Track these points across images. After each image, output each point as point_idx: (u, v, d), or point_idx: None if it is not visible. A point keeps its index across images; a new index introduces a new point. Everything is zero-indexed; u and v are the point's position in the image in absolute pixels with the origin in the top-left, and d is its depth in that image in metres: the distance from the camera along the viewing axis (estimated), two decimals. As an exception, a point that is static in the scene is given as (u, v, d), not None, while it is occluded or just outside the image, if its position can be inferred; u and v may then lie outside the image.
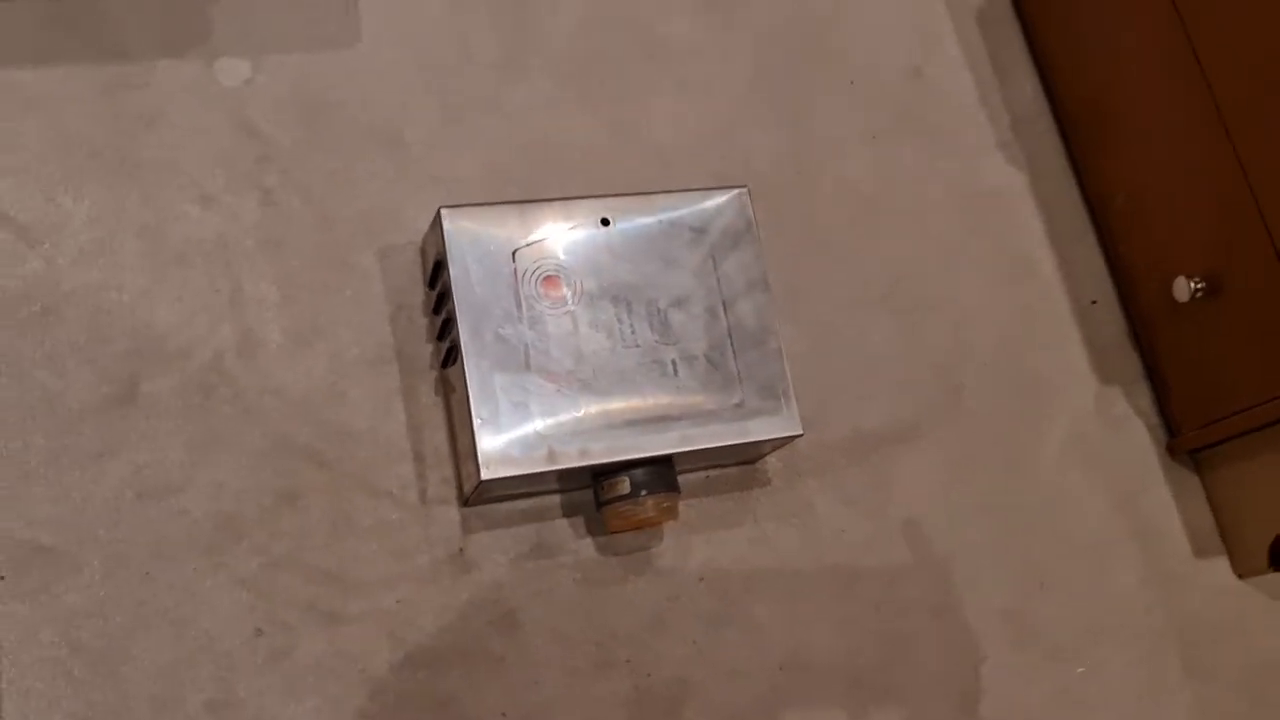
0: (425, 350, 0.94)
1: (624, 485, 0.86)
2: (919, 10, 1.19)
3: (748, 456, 0.95)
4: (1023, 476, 1.04)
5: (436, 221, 0.87)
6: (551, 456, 0.83)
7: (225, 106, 0.96)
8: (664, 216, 0.90)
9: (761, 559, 0.95)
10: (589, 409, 0.84)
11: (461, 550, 0.89)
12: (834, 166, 1.10)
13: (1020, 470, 1.04)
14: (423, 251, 0.96)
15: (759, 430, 0.88)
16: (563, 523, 0.92)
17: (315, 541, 0.87)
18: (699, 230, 0.91)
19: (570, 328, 0.86)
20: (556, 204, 0.89)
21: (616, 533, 0.91)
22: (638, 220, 0.90)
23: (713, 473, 0.97)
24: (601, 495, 0.87)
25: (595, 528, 0.93)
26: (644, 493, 0.86)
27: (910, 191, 1.11)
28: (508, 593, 0.89)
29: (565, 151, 1.02)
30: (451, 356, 0.88)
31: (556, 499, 0.92)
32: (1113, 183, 1.10)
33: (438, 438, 0.92)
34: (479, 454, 0.81)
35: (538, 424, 0.83)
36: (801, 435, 0.89)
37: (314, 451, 0.89)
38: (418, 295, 0.95)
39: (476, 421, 0.82)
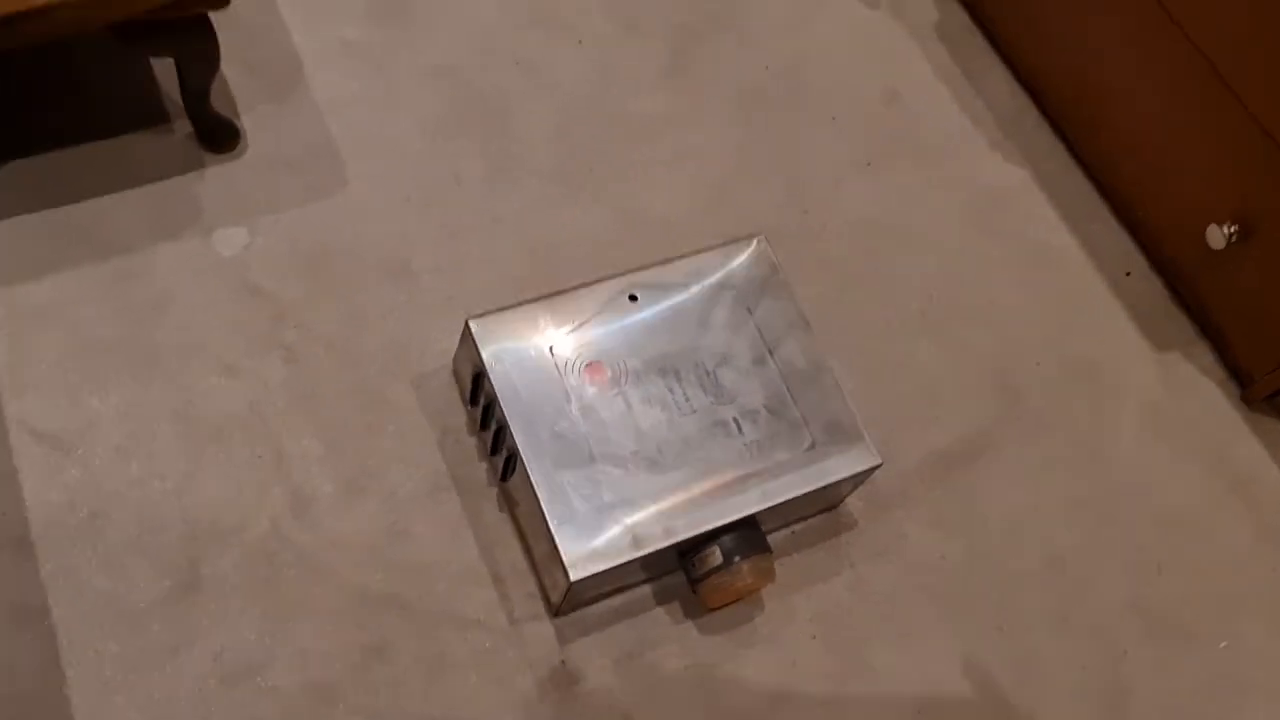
0: (480, 470, 0.91)
1: (715, 556, 0.82)
2: (880, 38, 1.20)
3: (829, 502, 0.92)
4: (1107, 463, 1.00)
5: (466, 335, 0.85)
6: (637, 542, 0.79)
7: (229, 275, 0.95)
8: (689, 280, 0.89)
9: (867, 603, 0.91)
10: (663, 486, 0.81)
11: (563, 662, 0.85)
12: (837, 201, 1.09)
13: (1103, 457, 1.01)
14: (455, 373, 0.94)
15: (838, 468, 0.84)
16: (659, 611, 0.88)
17: (413, 689, 0.83)
18: (726, 286, 0.89)
19: (624, 409, 0.83)
20: (581, 291, 0.87)
21: (716, 608, 0.87)
22: (664, 289, 0.88)
23: (797, 527, 0.93)
24: (694, 572, 0.84)
25: (693, 609, 0.89)
26: (737, 559, 0.82)
27: (918, 209, 1.10)
28: (619, 696, 0.85)
29: (572, 245, 1.01)
30: (510, 467, 0.85)
31: (647, 589, 0.89)
32: (1115, 154, 1.10)
33: (512, 554, 0.88)
34: (563, 557, 0.78)
35: (616, 513, 0.80)
36: (881, 464, 0.86)
37: (391, 596, 0.85)
38: (460, 416, 0.93)
39: (553, 524, 0.79)
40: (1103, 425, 1.02)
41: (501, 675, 0.84)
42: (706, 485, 0.82)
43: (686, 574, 0.85)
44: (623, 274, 0.89)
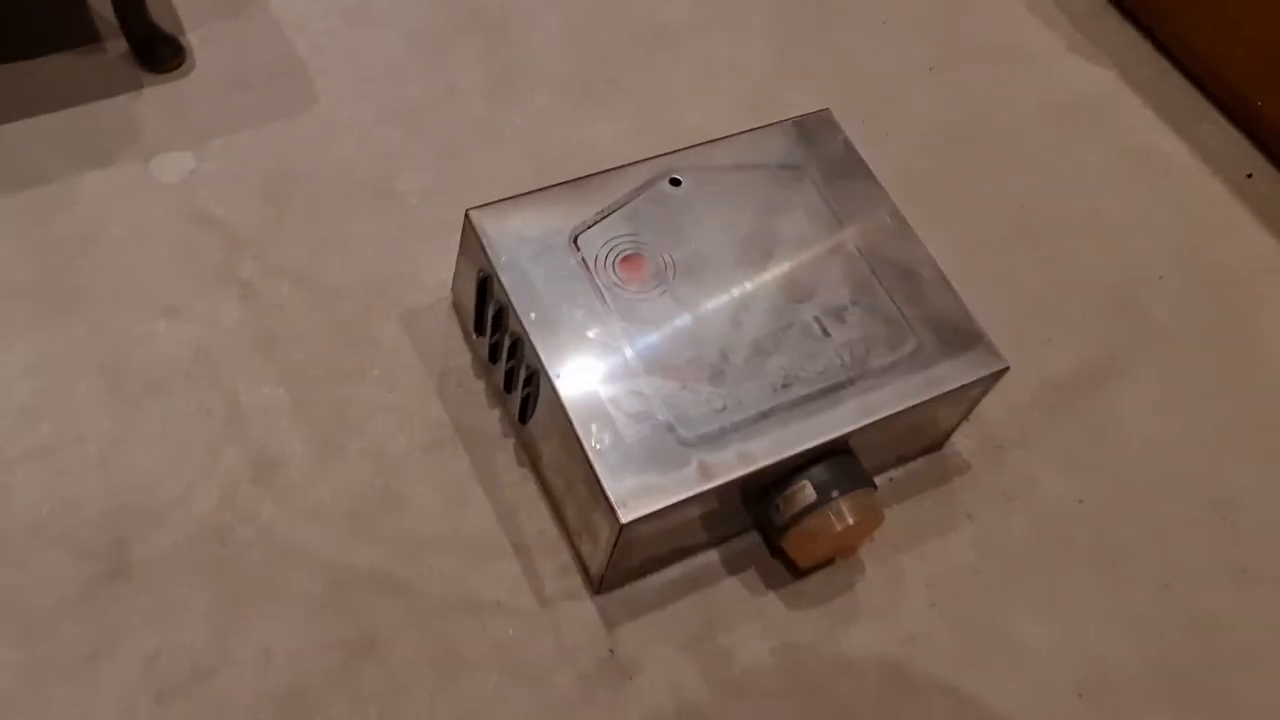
0: (491, 419, 0.71)
1: (806, 493, 0.63)
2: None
3: (933, 437, 0.72)
4: (1259, 378, 0.81)
5: (467, 232, 0.67)
6: (705, 472, 0.60)
7: (171, 204, 0.77)
8: (743, 160, 0.71)
9: (996, 562, 0.71)
10: (732, 400, 0.62)
11: (612, 652, 0.65)
12: (900, 109, 0.92)
13: (1253, 373, 0.81)
14: (455, 305, 0.75)
15: (955, 374, 0.65)
16: (731, 583, 0.68)
17: (415, 696, 0.62)
18: (789, 166, 0.71)
19: (673, 309, 0.64)
20: (610, 175, 0.69)
21: (807, 569, 0.66)
22: (713, 172, 0.70)
23: (895, 473, 0.73)
24: (777, 517, 0.64)
25: (774, 576, 0.68)
26: (834, 494, 0.62)
27: (994, 116, 0.93)
28: (690, 692, 0.64)
29: (589, 158, 0.83)
30: (530, 405, 0.66)
31: (713, 555, 0.69)
32: (1221, 42, 0.93)
33: (538, 519, 0.68)
34: (608, 495, 0.58)
35: (674, 436, 0.60)
36: (1009, 369, 0.67)
37: (381, 577, 0.65)
38: (463, 355, 0.74)
39: (593, 454, 0.59)
40: (1248, 337, 0.83)
41: (532, 673, 0.63)
42: (787, 399, 0.63)
43: (765, 526, 0.65)
44: (660, 155, 0.70)
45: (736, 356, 0.63)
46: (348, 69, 0.86)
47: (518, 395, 0.67)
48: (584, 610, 0.66)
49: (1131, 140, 0.93)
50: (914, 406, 0.64)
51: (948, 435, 0.73)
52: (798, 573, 0.69)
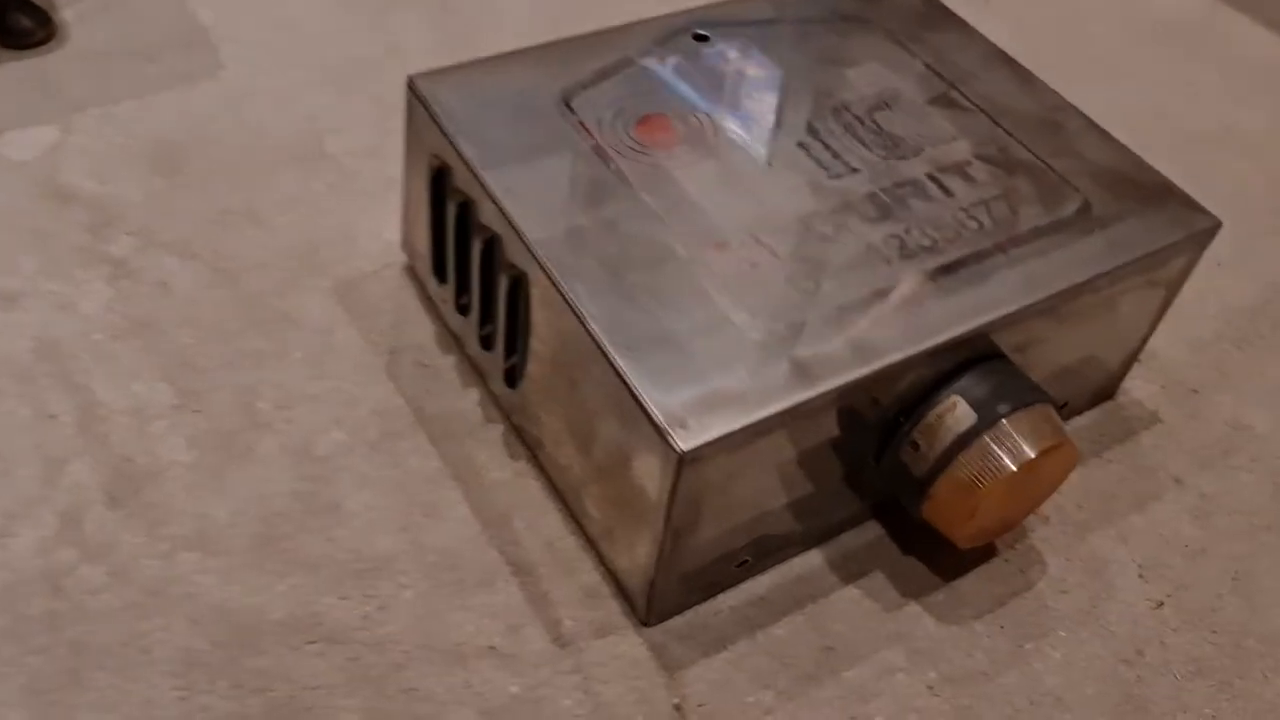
0: (468, 400, 0.49)
1: (959, 411, 0.40)
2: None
3: (1106, 380, 0.50)
4: None
5: (413, 109, 0.47)
6: (803, 372, 0.37)
7: (22, 181, 0.57)
8: (789, 16, 0.51)
9: (1230, 536, 0.48)
10: (824, 277, 0.40)
11: (678, 708, 0.40)
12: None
13: None
14: (411, 268, 0.54)
15: (1149, 233, 0.44)
16: (851, 594, 0.44)
17: (362, 800, 0.37)
18: (855, 19, 0.52)
19: (718, 174, 0.44)
20: (613, 33, 0.49)
21: (972, 543, 0.43)
22: (752, 26, 0.51)
23: (1057, 432, 0.51)
24: (916, 462, 0.41)
25: (916, 580, 0.45)
26: (1002, 410, 0.40)
27: (1087, 43, 0.75)
28: (813, 759, 0.39)
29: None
30: (519, 347, 0.44)
31: (817, 557, 0.45)
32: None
33: (546, 526, 0.45)
34: (654, 416, 0.36)
35: (746, 327, 0.38)
36: (1220, 225, 0.46)
37: (305, 624, 0.42)
38: (423, 327, 0.52)
39: (624, 364, 0.37)
40: None
41: (553, 750, 0.39)
42: (911, 271, 0.41)
43: (897, 485, 0.42)
44: (675, 14, 0.51)
45: (823, 224, 0.42)
46: (263, 36, 0.68)
47: (500, 342, 0.45)
48: (627, 649, 0.42)
49: (1251, 55, 0.75)
50: (1096, 279, 0.42)
51: (1124, 370, 0.51)
52: (947, 570, 0.45)
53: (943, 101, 0.48)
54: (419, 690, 0.40)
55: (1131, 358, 0.50)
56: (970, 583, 0.45)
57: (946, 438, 0.40)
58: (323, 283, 0.54)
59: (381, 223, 0.56)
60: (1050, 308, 0.42)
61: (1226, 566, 0.47)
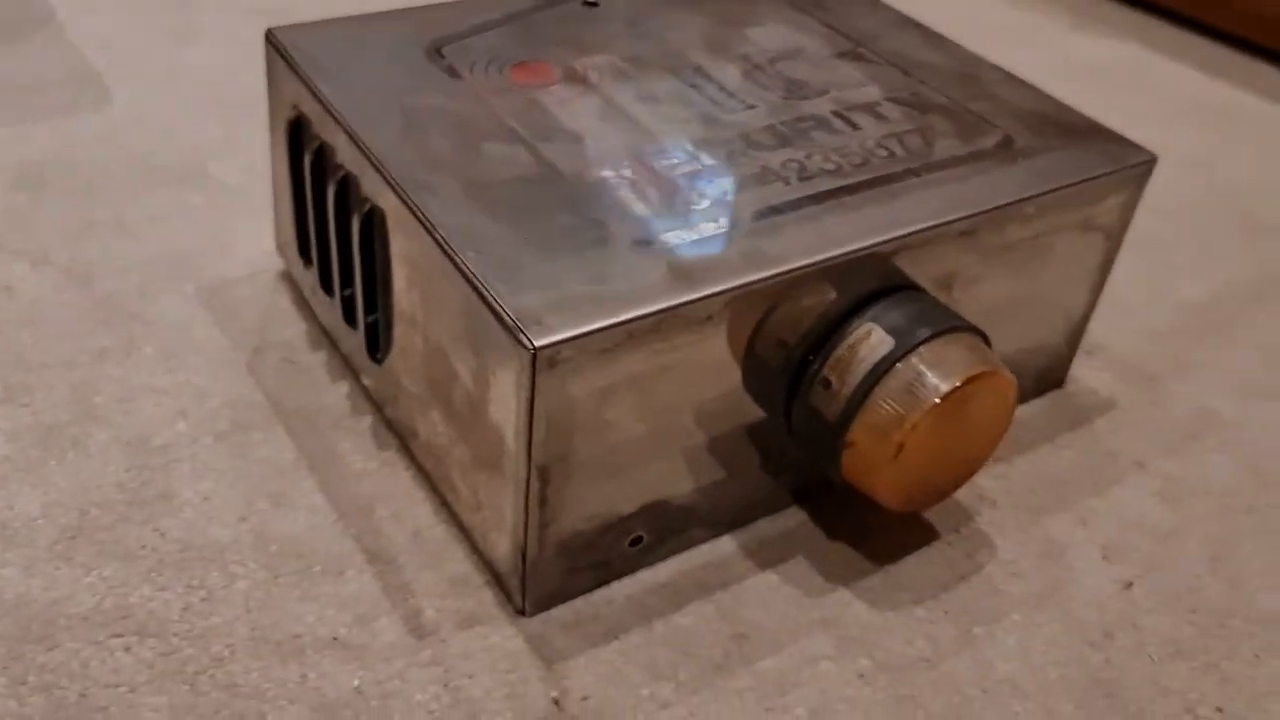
0: (337, 394, 0.44)
1: (874, 338, 0.35)
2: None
3: (1051, 361, 0.45)
4: None
5: (271, 61, 0.43)
6: (683, 276, 0.32)
7: None
8: (687, -9, 0.49)
9: (1203, 517, 0.42)
10: (714, 195, 0.36)
11: (557, 701, 0.33)
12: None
13: None
14: (287, 274, 0.49)
15: (1078, 163, 0.40)
16: (767, 579, 0.38)
17: (153, 815, 0.30)
18: (757, -4, 0.49)
19: (601, 109, 0.40)
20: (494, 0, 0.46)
21: (903, 501, 0.37)
22: (645, -3, 0.48)
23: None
24: (828, 404, 0.35)
25: (846, 565, 0.39)
26: (924, 334, 0.35)
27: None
28: (718, 755, 0.32)
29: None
30: (385, 335, 0.39)
31: (729, 544, 0.39)
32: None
33: (413, 517, 0.39)
34: (506, 315, 0.30)
35: (621, 235, 0.33)
36: (1155, 159, 0.41)
37: (112, 615, 0.35)
38: (294, 326, 0.47)
39: (475, 270, 0.32)
40: None
41: (400, 754, 0.32)
42: (812, 191, 0.37)
43: (810, 437, 0.36)
44: (565, -14, 0.48)
45: (713, 150, 0.38)
46: (158, 76, 0.65)
47: (359, 298, 0.40)
48: (498, 640, 0.35)
49: (1182, 93, 0.73)
50: (1021, 204, 0.38)
51: (1071, 349, 0.46)
52: (882, 554, 0.39)
53: (850, 56, 0.45)
54: (241, 686, 0.33)
55: (1077, 333, 0.45)
56: (909, 567, 0.39)
57: (861, 370, 0.35)
58: (186, 287, 0.49)
59: (260, 235, 0.52)
60: (970, 231, 0.37)
61: (1203, 548, 0.40)
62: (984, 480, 0.42)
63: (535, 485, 0.32)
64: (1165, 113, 0.70)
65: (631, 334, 0.31)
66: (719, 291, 0.32)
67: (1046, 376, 0.46)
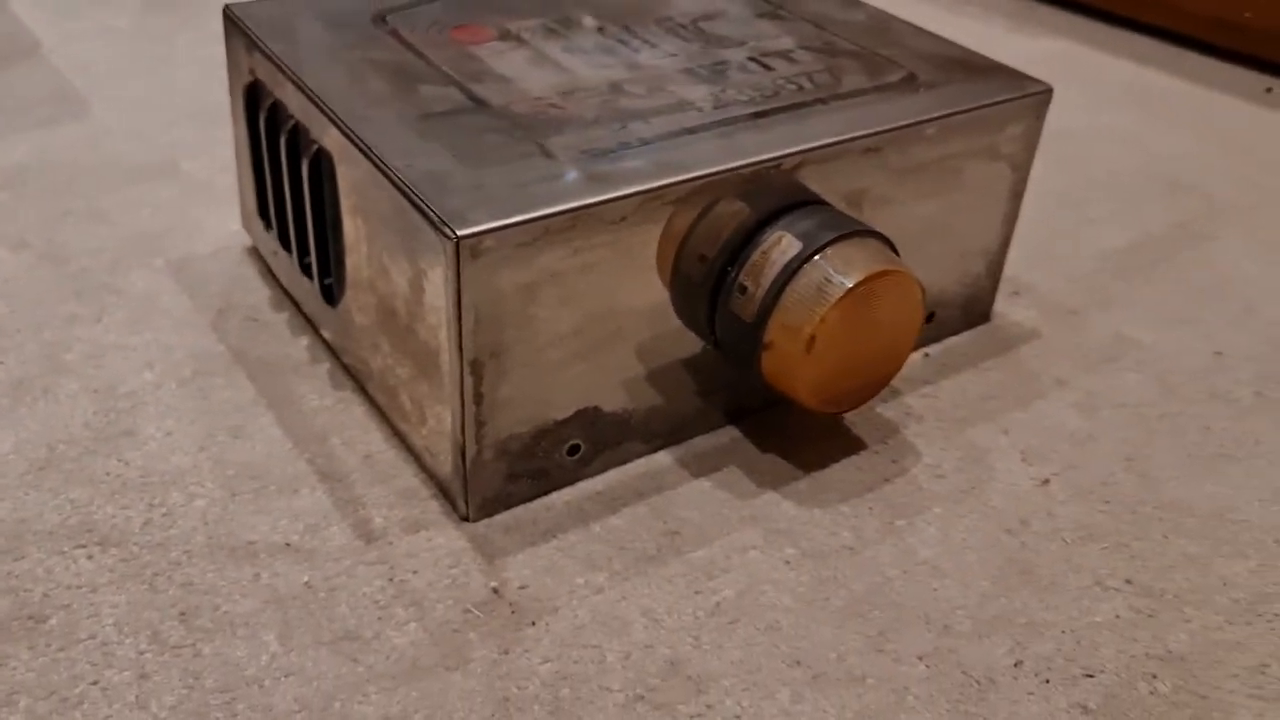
0: (297, 346, 0.46)
1: (785, 243, 0.37)
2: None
3: (974, 295, 0.48)
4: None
5: (230, 35, 0.46)
6: (601, 180, 0.35)
7: None
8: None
9: (1121, 425, 0.44)
10: (634, 123, 0.38)
11: (496, 590, 0.35)
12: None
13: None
14: (254, 249, 0.52)
15: (978, 94, 0.43)
16: (700, 485, 0.40)
17: (125, 676, 0.32)
18: (685, -25, 0.53)
19: (531, 59, 0.43)
20: (434, -20, 0.50)
21: (824, 399, 0.39)
22: (580, -25, 0.51)
23: (932, 349, 0.48)
24: (745, 308, 0.38)
25: (776, 471, 0.41)
26: (830, 237, 0.37)
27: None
28: (645, 633, 0.34)
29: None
30: (339, 279, 0.42)
31: (665, 458, 0.41)
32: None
33: (365, 443, 0.41)
34: (432, 212, 0.33)
35: (547, 152, 0.36)
36: (1051, 90, 0.44)
37: (77, 530, 0.37)
38: (258, 292, 0.50)
39: (405, 178, 0.35)
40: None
41: (347, 628, 0.34)
42: (723, 116, 0.39)
43: (732, 340, 0.38)
44: (505, -31, 0.52)
45: (634, 87, 0.41)
46: (136, 94, 0.68)
47: (311, 239, 0.43)
48: (442, 541, 0.37)
49: (1120, 78, 0.77)
50: (922, 124, 0.40)
51: (993, 283, 0.49)
52: (811, 463, 0.41)
53: (769, 16, 0.48)
54: (197, 584, 0.35)
55: (997, 265, 0.48)
56: (837, 471, 0.41)
57: (772, 271, 0.37)
58: (156, 261, 0.52)
59: (227, 219, 0.55)
60: (874, 148, 0.40)
61: (1117, 450, 0.43)
62: (911, 399, 0.45)
63: (469, 381, 0.35)
64: (1100, 98, 0.74)
65: (549, 229, 0.34)
66: (631, 194, 0.35)
67: (971, 308, 0.48)
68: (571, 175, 0.35)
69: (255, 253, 0.52)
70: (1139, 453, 0.42)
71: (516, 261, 0.33)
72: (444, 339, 0.34)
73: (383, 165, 0.35)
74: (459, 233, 0.32)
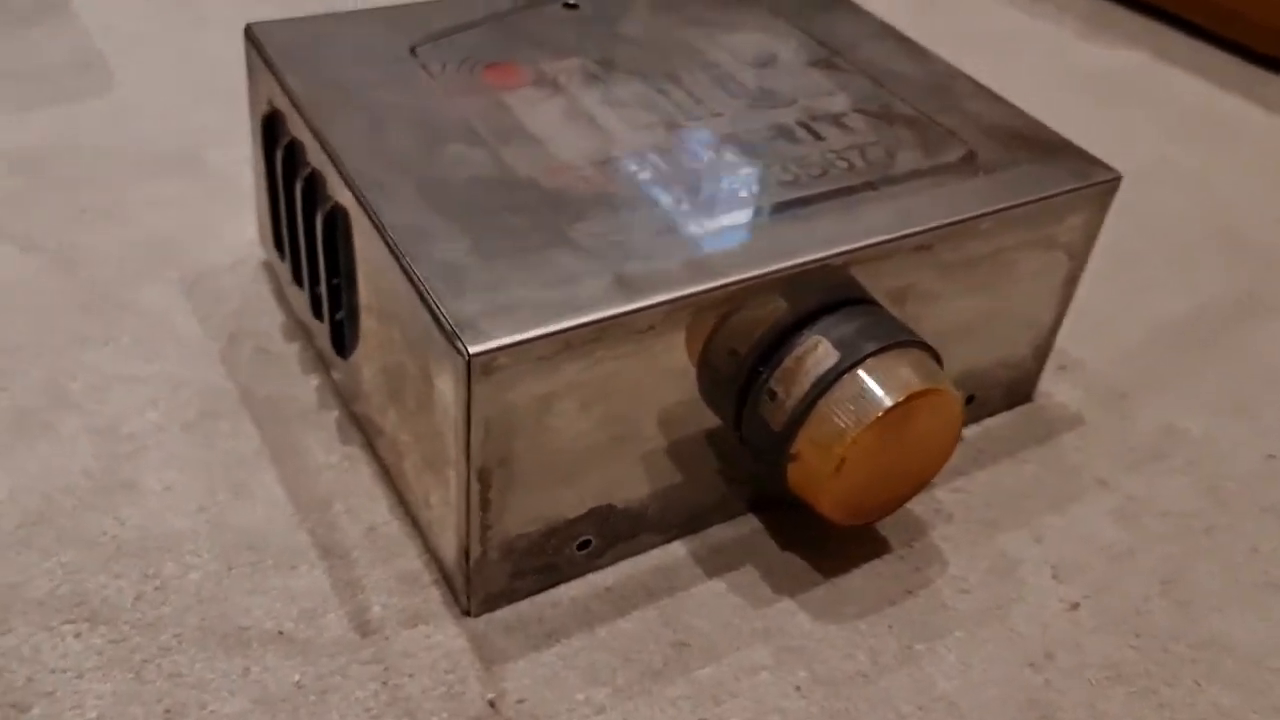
0: (306, 386, 0.44)
1: (820, 350, 0.35)
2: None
3: (1018, 375, 0.45)
4: None
5: (250, 58, 0.43)
6: (627, 286, 0.32)
7: None
8: (670, -6, 0.49)
9: (1161, 540, 0.42)
10: (667, 203, 0.36)
11: (493, 704, 0.34)
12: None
13: None
14: (269, 264, 0.50)
15: (1040, 181, 0.40)
16: (712, 586, 0.38)
17: (90, 799, 0.31)
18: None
19: (569, 110, 0.40)
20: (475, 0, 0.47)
21: (847, 515, 0.37)
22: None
23: (970, 431, 0.45)
24: (774, 414, 0.35)
25: (792, 573, 0.39)
26: (870, 348, 0.35)
27: (1005, 93, 0.72)
28: (646, 761, 0.33)
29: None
30: (352, 332, 0.40)
31: (679, 550, 0.39)
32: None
33: (370, 512, 0.40)
34: (445, 320, 0.31)
35: (568, 240, 0.34)
36: (1120, 178, 0.41)
37: (67, 602, 0.36)
38: (271, 315, 0.48)
39: (419, 271, 0.32)
40: None
41: (336, 748, 0.32)
42: (764, 203, 0.37)
43: (758, 447, 0.36)
44: (548, -13, 0.49)
45: (675, 158, 0.38)
46: (161, 63, 0.66)
47: (323, 291, 0.41)
48: (441, 639, 0.36)
49: (1186, 102, 0.72)
50: (979, 219, 0.38)
51: (1038, 364, 0.46)
52: (832, 567, 0.39)
53: (823, 65, 0.45)
54: (186, 676, 0.34)
55: (1045, 348, 0.45)
56: (857, 579, 0.39)
57: (806, 381, 0.35)
58: (169, 273, 0.50)
59: (247, 224, 0.53)
60: (925, 245, 0.37)
61: (1155, 569, 0.40)
62: (942, 493, 0.42)
63: (476, 487, 0.33)
64: (1167, 127, 0.70)
65: (570, 343, 0.31)
66: (660, 302, 0.32)
67: (1014, 390, 0.46)
68: (597, 278, 0.33)
69: (270, 267, 0.50)
70: (1179, 575, 0.40)
71: (533, 376, 0.31)
72: (451, 445, 0.32)
73: (396, 250, 0.33)
74: (471, 350, 0.30)
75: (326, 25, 0.44)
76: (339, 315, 0.40)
